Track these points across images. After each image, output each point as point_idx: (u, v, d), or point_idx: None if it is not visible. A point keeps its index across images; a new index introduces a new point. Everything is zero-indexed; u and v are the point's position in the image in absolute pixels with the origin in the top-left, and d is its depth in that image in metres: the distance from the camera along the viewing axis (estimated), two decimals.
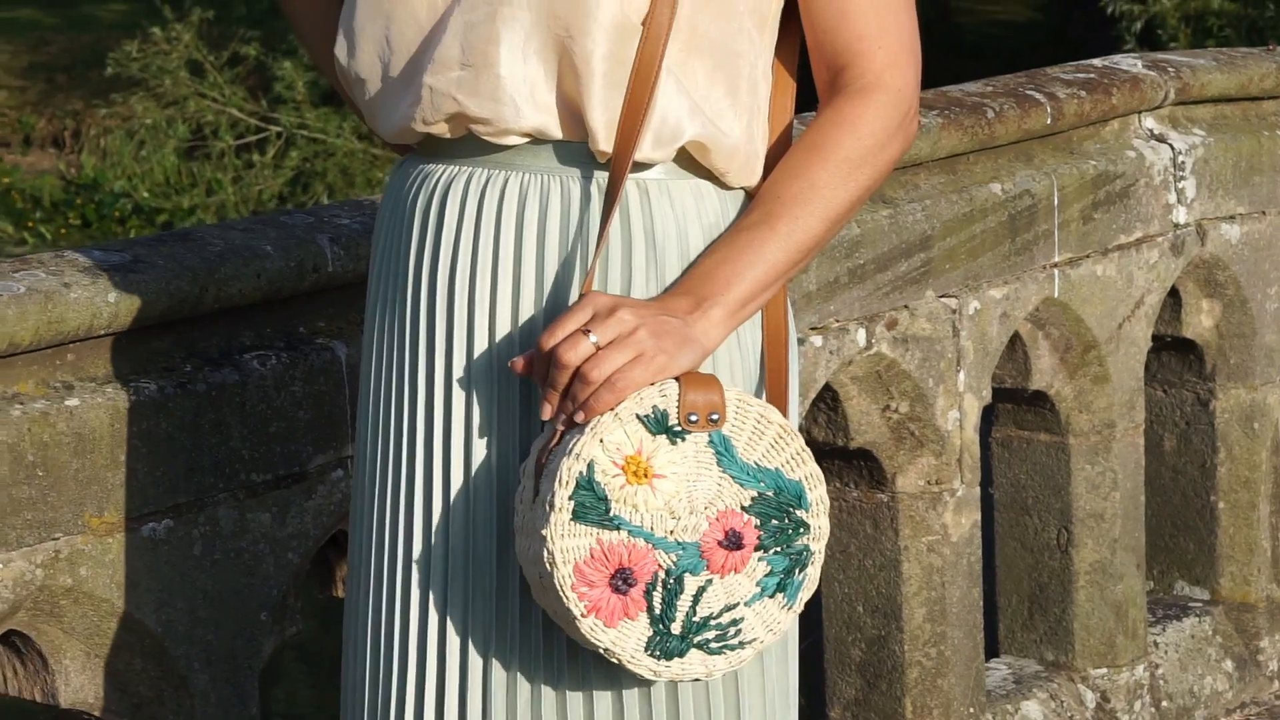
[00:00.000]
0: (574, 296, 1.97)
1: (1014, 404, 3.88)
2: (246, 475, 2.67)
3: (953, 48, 16.90)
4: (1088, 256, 3.77)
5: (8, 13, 20.63)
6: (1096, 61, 3.93)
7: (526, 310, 1.99)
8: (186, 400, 2.60)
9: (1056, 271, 3.71)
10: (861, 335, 3.41)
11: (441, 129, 2.01)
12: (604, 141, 1.95)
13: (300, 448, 2.73)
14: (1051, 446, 3.86)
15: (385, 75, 2.04)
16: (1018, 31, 19.17)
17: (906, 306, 3.47)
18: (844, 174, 1.98)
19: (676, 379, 1.89)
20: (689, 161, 2.00)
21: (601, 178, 1.98)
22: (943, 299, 3.53)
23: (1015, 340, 3.74)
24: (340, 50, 2.07)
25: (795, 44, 2.07)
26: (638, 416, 1.87)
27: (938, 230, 3.51)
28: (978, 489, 3.62)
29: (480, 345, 1.99)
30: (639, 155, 1.95)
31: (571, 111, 1.96)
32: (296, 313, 2.79)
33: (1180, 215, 3.95)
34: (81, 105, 18.52)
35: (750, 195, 2.04)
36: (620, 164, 1.94)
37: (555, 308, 1.98)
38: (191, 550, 2.62)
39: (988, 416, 3.79)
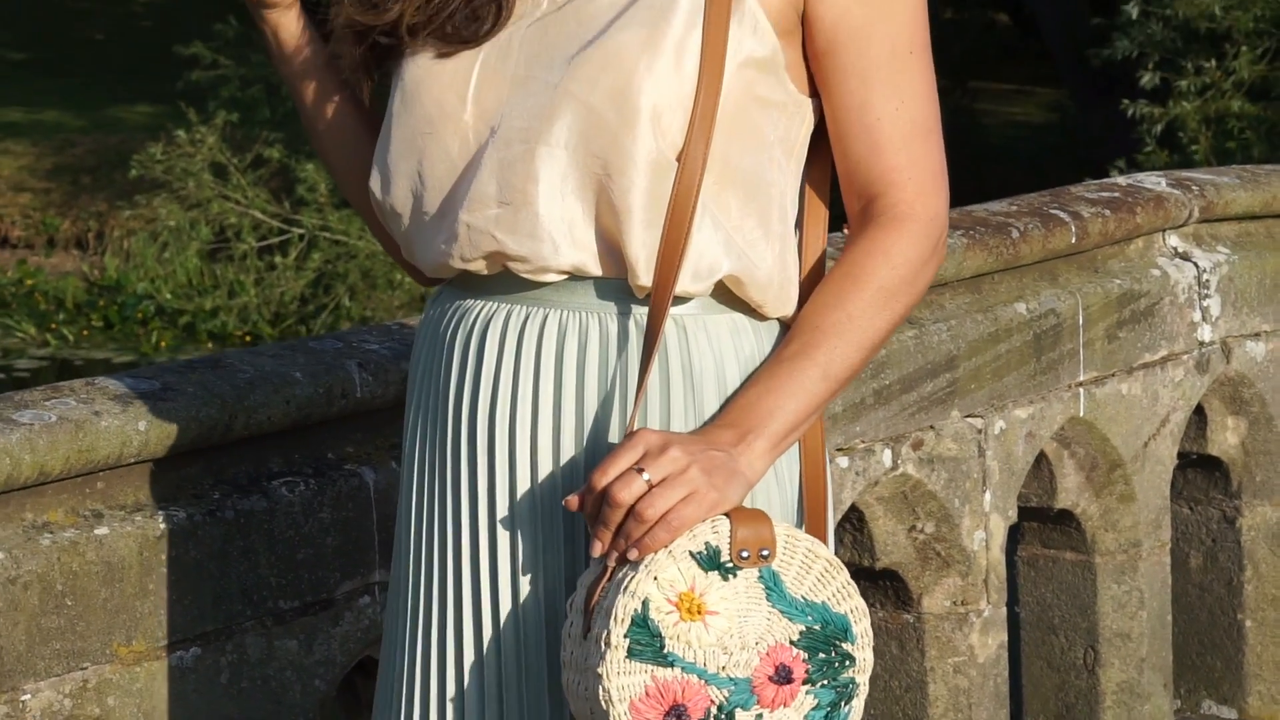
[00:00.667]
0: (614, 431, 1.99)
1: (1040, 523, 3.88)
2: (274, 602, 2.67)
3: (976, 151, 16.96)
4: (1113, 375, 3.77)
5: (34, 115, 20.80)
6: (1120, 180, 3.94)
7: (567, 445, 2.00)
8: (215, 528, 2.61)
9: (1082, 390, 3.71)
10: (887, 456, 3.42)
11: (479, 266, 2.03)
12: (643, 277, 1.97)
13: (327, 574, 2.73)
14: (1077, 565, 3.86)
15: (418, 210, 2.05)
16: (1037, 132, 19.25)
17: (932, 427, 3.47)
18: (879, 303, 2.00)
19: (727, 514, 1.90)
20: (724, 293, 2.02)
21: (639, 313, 2.00)
22: (968, 419, 3.53)
23: (1041, 459, 3.73)
24: (375, 184, 2.09)
25: (826, 167, 2.10)
26: (691, 553, 1.89)
27: (963, 350, 3.51)
28: (1004, 609, 3.61)
29: (522, 480, 2.01)
30: (677, 289, 1.97)
31: (610, 248, 1.98)
32: (325, 438, 2.79)
33: (1205, 333, 3.95)
34: (105, 207, 18.62)
35: (786, 324, 2.06)
36: (660, 301, 1.96)
37: (596, 443, 1.99)
38: (219, 678, 2.62)
39: (1013, 535, 3.79)
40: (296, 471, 2.74)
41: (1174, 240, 3.95)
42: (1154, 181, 3.93)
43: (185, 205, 16.14)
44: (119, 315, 16.78)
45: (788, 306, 2.05)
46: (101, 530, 2.52)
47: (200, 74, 16.65)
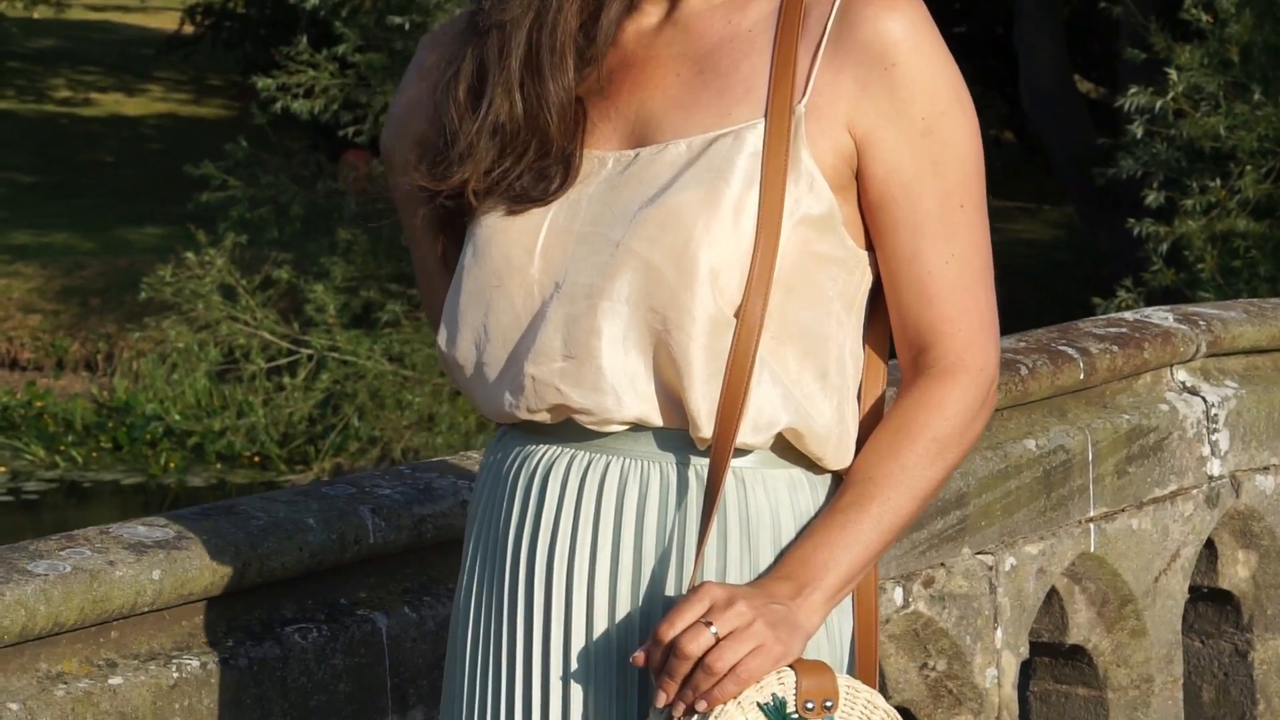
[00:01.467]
0: (671, 580, 2.04)
1: (1051, 658, 3.87)
2: None
3: None
4: (1123, 510, 3.78)
5: (44, 237, 20.90)
6: (1127, 315, 3.96)
7: (624, 592, 2.05)
8: (229, 675, 2.61)
9: (1092, 526, 3.72)
10: (899, 594, 3.42)
11: (544, 416, 2.08)
12: (705, 429, 2.02)
13: None
14: (1090, 701, 3.85)
15: (482, 361, 2.11)
16: (1044, 249, 19.31)
17: (943, 564, 3.48)
18: (932, 455, 2.05)
19: (791, 666, 1.95)
20: (783, 445, 2.07)
21: (699, 464, 2.04)
22: (979, 556, 3.53)
23: (1052, 595, 3.73)
24: (441, 337, 2.14)
25: (886, 320, 2.13)
26: (758, 705, 1.94)
27: (973, 487, 3.52)
28: None
29: (578, 626, 2.05)
30: (737, 441, 2.02)
31: (671, 400, 2.03)
32: (338, 584, 2.80)
33: (1214, 467, 3.96)
34: (115, 329, 18.69)
35: (840, 475, 2.10)
36: (721, 454, 2.01)
37: (654, 591, 2.04)
38: None
39: (1025, 670, 3.78)
40: (309, 618, 2.75)
41: (1182, 375, 3.97)
42: (1161, 316, 3.95)
43: (194, 327, 16.19)
44: (128, 437, 16.80)
45: (846, 459, 2.09)
46: (115, 680, 2.52)
47: (210, 195, 16.73)
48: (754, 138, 2.02)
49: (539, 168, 2.08)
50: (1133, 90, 12.55)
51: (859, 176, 2.06)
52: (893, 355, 2.16)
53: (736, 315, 2.00)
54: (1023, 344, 3.73)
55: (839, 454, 2.08)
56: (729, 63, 2.07)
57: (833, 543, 2.01)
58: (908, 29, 2.03)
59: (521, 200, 2.08)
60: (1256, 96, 12.22)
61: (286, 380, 16.15)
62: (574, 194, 2.07)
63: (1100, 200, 15.96)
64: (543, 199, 2.08)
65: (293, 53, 16.18)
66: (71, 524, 15.21)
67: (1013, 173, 20.35)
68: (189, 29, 29.49)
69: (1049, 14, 17.34)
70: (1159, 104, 12.35)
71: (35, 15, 22.18)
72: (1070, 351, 3.71)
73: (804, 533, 2.04)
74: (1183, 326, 3.92)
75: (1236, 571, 4.09)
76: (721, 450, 2.00)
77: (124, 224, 21.31)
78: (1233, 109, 12.29)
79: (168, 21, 30.97)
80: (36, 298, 19.58)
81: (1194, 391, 3.96)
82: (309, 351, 15.92)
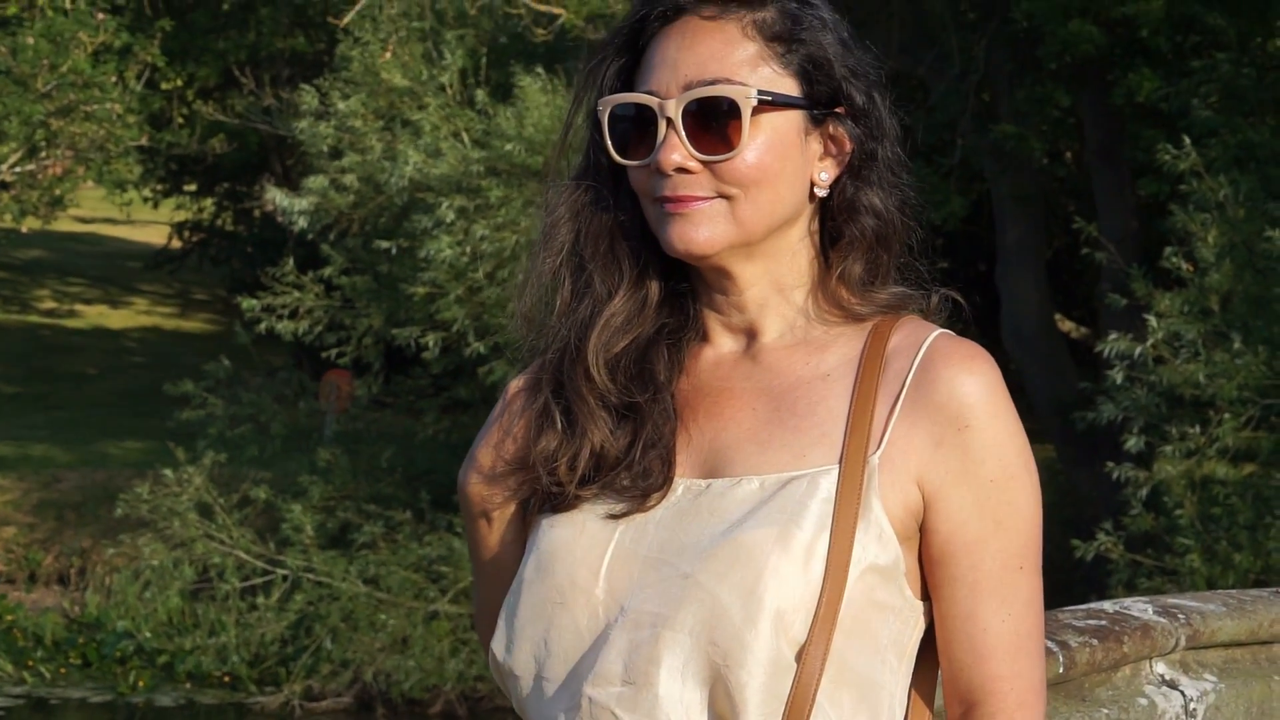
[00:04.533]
0: None
1: None
2: None
3: None
4: None
5: (23, 448, 20.87)
6: (1107, 606, 3.93)
7: None
8: None
9: None
10: None
11: None
12: None
13: None
14: None
15: (540, 676, 2.11)
16: None
17: None
18: None
19: None
20: None
21: None
22: None
23: None
24: (498, 645, 2.14)
25: (933, 668, 2.14)
26: None
27: None
28: None
29: None
30: None
31: None
32: None
33: None
34: (90, 543, 18.60)
35: None
36: None
37: None
38: None
39: None
40: None
41: (1161, 668, 3.93)
42: (1140, 609, 3.92)
43: (170, 544, 16.13)
44: (97, 654, 16.66)
45: None
46: None
47: (190, 412, 16.75)
48: (828, 483, 2.06)
49: (644, 464, 2.12)
50: (1113, 336, 12.65)
51: (923, 530, 2.09)
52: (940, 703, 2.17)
53: (798, 657, 2.01)
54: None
55: None
56: (806, 405, 2.11)
57: None
58: (984, 393, 2.08)
59: (623, 497, 2.10)
60: (1236, 345, 12.31)
61: (260, 600, 16.05)
62: (641, 517, 2.10)
63: (1081, 442, 16.01)
64: (642, 496, 2.10)
65: (279, 274, 16.28)
66: None
67: None
68: (176, 244, 29.74)
69: (1032, 256, 17.51)
70: (1139, 350, 12.43)
71: (24, 229, 22.32)
72: (1050, 645, 3.67)
73: None
74: (1162, 620, 3.89)
75: None
76: None
77: (104, 437, 21.30)
78: (1212, 357, 12.38)
79: (155, 236, 31.25)
80: (12, 510, 19.50)
81: (1173, 685, 3.91)
82: (284, 572, 15.83)
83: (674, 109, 2.10)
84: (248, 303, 16.32)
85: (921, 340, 2.12)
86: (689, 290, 2.20)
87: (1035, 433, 19.34)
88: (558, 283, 2.19)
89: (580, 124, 2.22)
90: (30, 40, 20.01)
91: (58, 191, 21.22)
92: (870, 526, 2.05)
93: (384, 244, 15.63)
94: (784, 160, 2.12)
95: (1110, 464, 12.81)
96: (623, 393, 2.14)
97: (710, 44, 2.12)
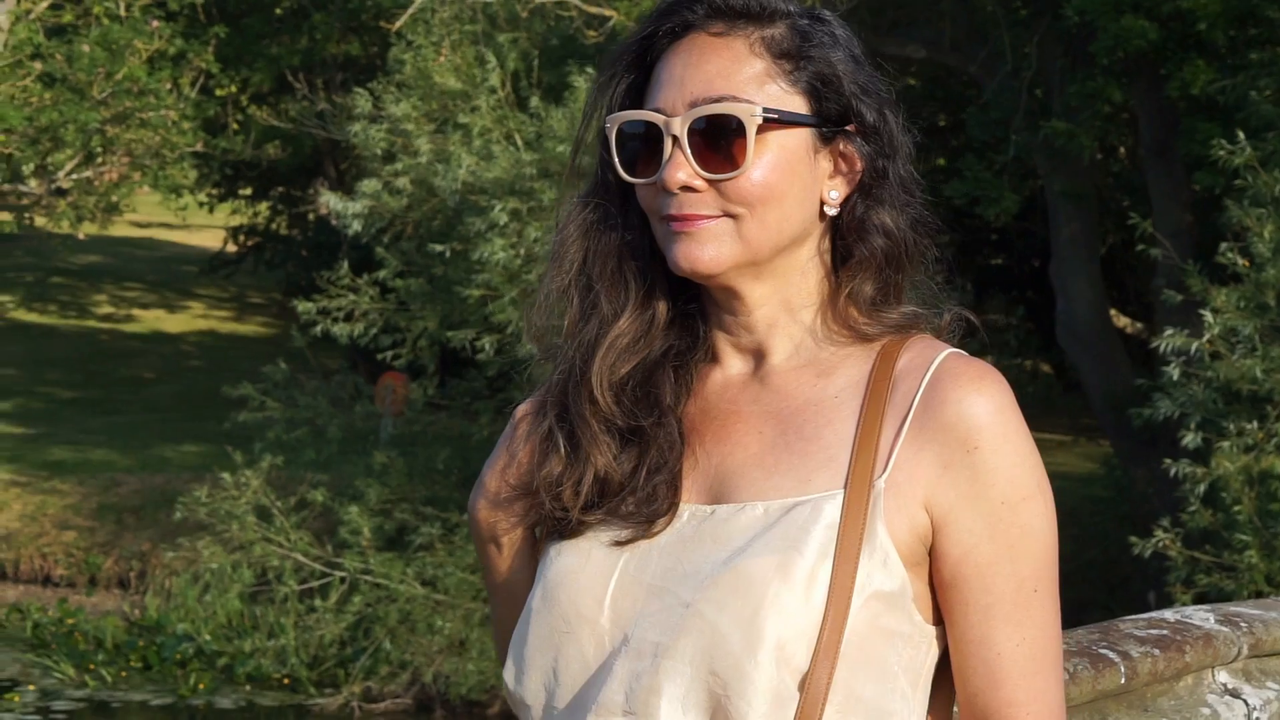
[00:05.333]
0: None
1: None
2: None
3: None
4: None
5: (82, 453, 20.99)
6: (1169, 615, 3.93)
7: None
8: None
9: None
10: None
11: None
12: None
13: None
14: None
15: (550, 704, 2.10)
16: (1081, 484, 19.25)
17: None
18: None
19: None
20: None
21: None
22: None
23: None
24: (509, 675, 2.13)
25: (951, 699, 2.12)
26: None
27: None
28: None
29: None
30: None
31: None
32: None
33: None
34: (149, 546, 18.71)
35: None
36: None
37: None
38: None
39: None
40: None
41: (1223, 676, 3.92)
42: (1202, 617, 3.92)
43: (228, 548, 16.19)
44: (158, 656, 16.74)
45: None
46: None
47: (247, 415, 16.81)
48: (831, 509, 2.03)
49: (651, 487, 2.11)
50: (1169, 332, 12.59)
51: (933, 554, 2.06)
52: None
53: (801, 687, 1.99)
54: (1063, 647, 3.69)
55: None
56: (812, 428, 2.08)
57: None
58: (993, 413, 2.04)
59: (628, 522, 2.09)
60: None
61: (318, 602, 16.11)
62: (646, 544, 2.08)
63: (1138, 439, 15.94)
64: (648, 521, 2.08)
65: (333, 277, 16.33)
66: None
67: (1049, 405, 20.36)
68: (232, 248, 29.86)
69: (1085, 252, 17.44)
70: (1195, 346, 12.37)
71: (81, 235, 22.45)
72: (1111, 655, 3.67)
73: None
74: (1224, 628, 3.89)
75: None
76: None
77: (162, 441, 21.40)
78: (1269, 352, 12.31)
79: (211, 240, 31.38)
80: (72, 514, 19.63)
81: (1235, 694, 3.91)
82: (342, 574, 15.88)
83: (680, 127, 2.08)
84: (303, 306, 16.37)
85: (930, 360, 2.08)
86: (698, 311, 2.17)
87: (1091, 429, 19.33)
88: (566, 302, 2.17)
89: (591, 141, 2.20)
90: (86, 48, 20.12)
91: (114, 198, 21.33)
92: (875, 552, 2.02)
93: (438, 247, 15.65)
94: (791, 179, 2.09)
95: (1167, 460, 12.74)
96: (628, 416, 2.12)
97: (717, 61, 2.10)
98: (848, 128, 2.12)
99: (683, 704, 2.00)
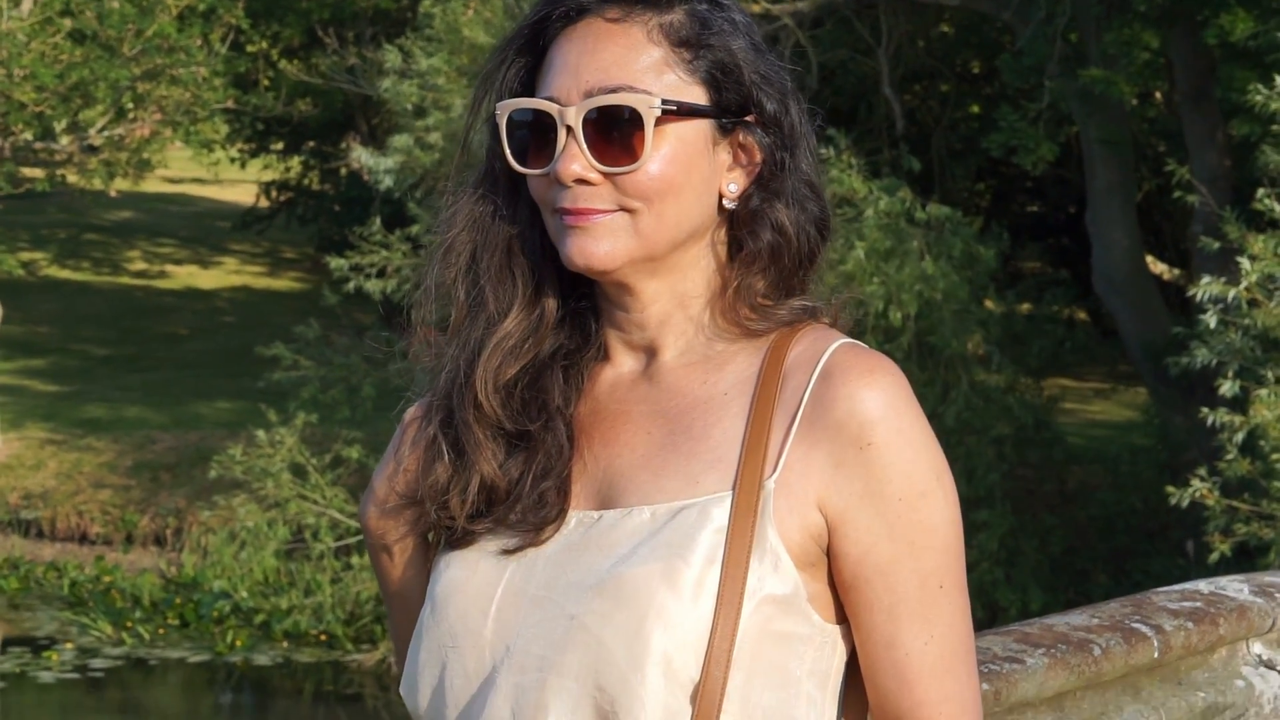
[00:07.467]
0: None
1: None
2: None
3: (1056, 452, 16.89)
4: None
5: (117, 410, 21.04)
6: (1202, 587, 3.87)
7: None
8: None
9: None
10: None
11: None
12: None
13: None
14: None
15: None
16: (1119, 431, 19.19)
17: None
18: None
19: None
20: None
21: None
22: None
23: None
24: (404, 689, 2.06)
25: (865, 698, 2.03)
26: None
27: None
28: None
29: None
30: None
31: None
32: None
33: None
34: (184, 504, 18.76)
35: None
36: None
37: None
38: None
39: None
40: None
41: (1258, 648, 3.86)
42: (1236, 589, 3.85)
43: (264, 505, 16.24)
44: (194, 613, 16.80)
45: None
46: None
47: (281, 374, 16.83)
48: (719, 513, 1.93)
49: (539, 491, 2.01)
50: (1206, 279, 12.51)
51: (831, 554, 1.96)
52: None
53: (693, 700, 1.90)
54: (1095, 621, 3.63)
55: None
56: (701, 427, 1.99)
57: None
58: (885, 407, 1.94)
59: (516, 530, 2.00)
60: None
61: (354, 559, 16.15)
62: (533, 552, 1.99)
63: (1175, 387, 15.87)
64: (538, 528, 1.99)
65: (366, 233, 16.32)
66: (138, 704, 15.14)
67: (1086, 353, 20.28)
68: (264, 204, 29.89)
69: (1121, 199, 17.33)
70: (1232, 293, 12.29)
71: (113, 192, 22.46)
72: (1144, 629, 3.61)
73: None
74: (1258, 600, 3.82)
75: None
76: None
77: (196, 398, 21.44)
78: None
79: (244, 195, 31.40)
80: (107, 472, 19.68)
81: (1270, 665, 3.85)
82: None
83: (574, 117, 1.97)
84: (336, 262, 16.37)
85: (820, 353, 1.98)
86: (589, 308, 2.07)
87: (1129, 376, 19.23)
88: (453, 299, 2.06)
89: (480, 128, 2.08)
90: (116, 4, 20.11)
91: (145, 154, 21.34)
92: (765, 555, 1.93)
93: None
94: (690, 172, 1.99)
95: (1204, 409, 12.67)
96: (515, 420, 2.02)
97: (613, 48, 1.99)
98: (748, 118, 2.03)
99: None
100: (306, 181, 29.46)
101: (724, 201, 2.03)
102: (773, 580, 1.93)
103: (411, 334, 2.11)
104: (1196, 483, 12.40)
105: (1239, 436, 12.45)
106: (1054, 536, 16.06)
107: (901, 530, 1.95)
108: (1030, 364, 17.11)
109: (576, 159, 1.98)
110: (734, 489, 1.94)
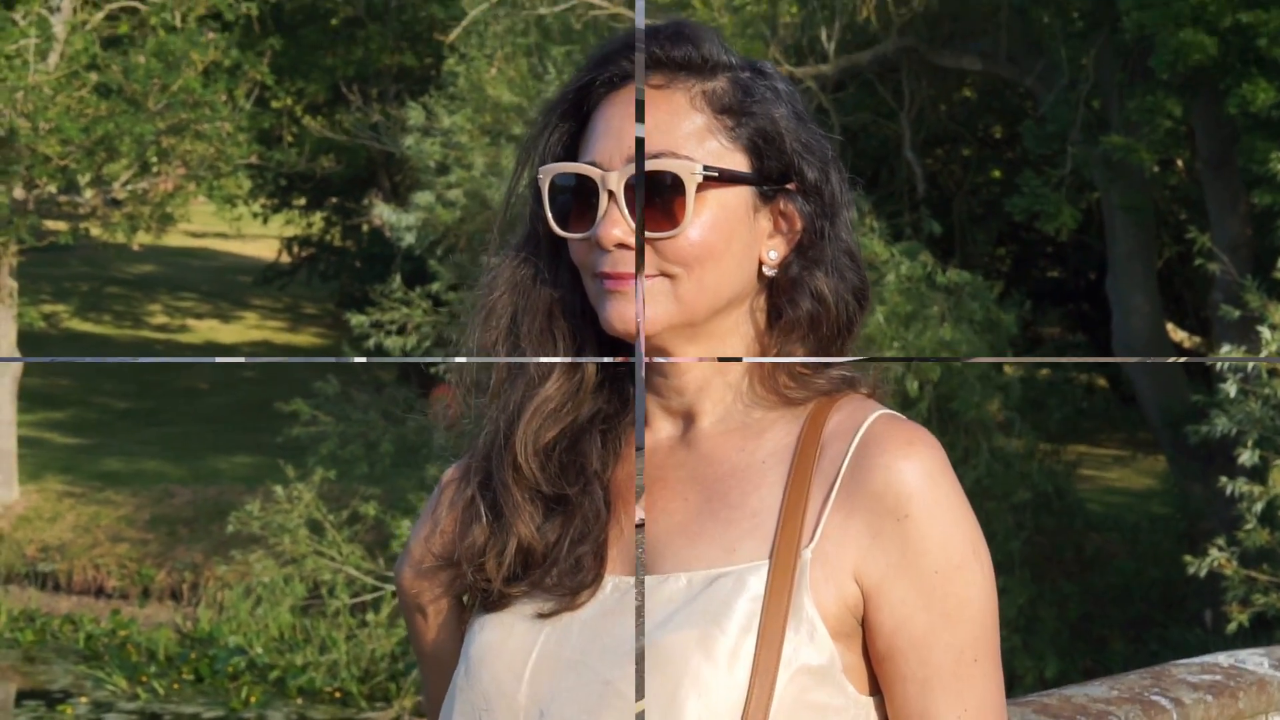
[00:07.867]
0: None
1: None
2: None
3: (1075, 520, 16.85)
4: None
5: (135, 464, 21.06)
6: (1222, 660, 3.85)
7: None
8: None
9: None
10: None
11: None
12: None
13: None
14: None
15: None
16: (1138, 499, 19.14)
17: None
18: None
19: None
20: None
21: None
22: None
23: None
24: None
25: None
26: None
27: None
28: None
29: None
30: None
31: None
32: None
33: None
34: (201, 558, 18.75)
35: None
36: None
37: None
38: None
39: None
40: None
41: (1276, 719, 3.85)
42: (1256, 662, 3.84)
43: (280, 561, 16.22)
44: (209, 669, 16.76)
45: None
46: None
47: (300, 429, 16.85)
48: (756, 581, 1.93)
49: (575, 555, 2.02)
50: (1226, 348, 12.50)
51: (866, 626, 1.96)
52: None
53: None
54: (1114, 693, 3.62)
55: None
56: (738, 494, 1.99)
57: None
58: (923, 479, 1.94)
59: (552, 594, 2.01)
60: None
61: (370, 616, 16.12)
62: (568, 617, 1.99)
63: (1194, 455, 15.83)
64: (574, 592, 2.00)
65: (386, 290, 16.35)
66: None
67: (1105, 420, 20.25)
68: (286, 259, 29.98)
69: (1142, 265, 17.35)
70: (1252, 363, 12.28)
71: (135, 245, 22.54)
72: (1163, 702, 3.60)
73: None
74: (1278, 674, 3.81)
75: None
76: None
77: (214, 452, 21.47)
78: None
79: (266, 250, 31.51)
80: (125, 525, 19.69)
81: None
82: (393, 589, 15.87)
83: (616, 182, 1.98)
84: (356, 319, 16.40)
85: (859, 423, 1.98)
86: (628, 372, 2.07)
87: (1148, 444, 19.19)
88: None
89: (523, 192, 2.10)
90: (141, 59, 20.20)
91: (168, 208, 21.42)
92: (801, 625, 1.92)
93: (493, 260, 15.63)
94: (730, 238, 2.00)
95: (1224, 478, 12.65)
96: (553, 484, 2.03)
97: (656, 115, 2.01)
98: (789, 186, 2.04)
99: None
100: (328, 237, 29.56)
101: (764, 269, 2.04)
102: (808, 650, 1.93)
103: (431, 393, 2.12)
104: (1215, 552, 12.37)
105: (1258, 506, 12.42)
106: (1071, 604, 16.01)
107: (937, 602, 1.94)
108: (1050, 430, 17.10)
109: (618, 224, 1.99)
110: (771, 558, 1.94)
